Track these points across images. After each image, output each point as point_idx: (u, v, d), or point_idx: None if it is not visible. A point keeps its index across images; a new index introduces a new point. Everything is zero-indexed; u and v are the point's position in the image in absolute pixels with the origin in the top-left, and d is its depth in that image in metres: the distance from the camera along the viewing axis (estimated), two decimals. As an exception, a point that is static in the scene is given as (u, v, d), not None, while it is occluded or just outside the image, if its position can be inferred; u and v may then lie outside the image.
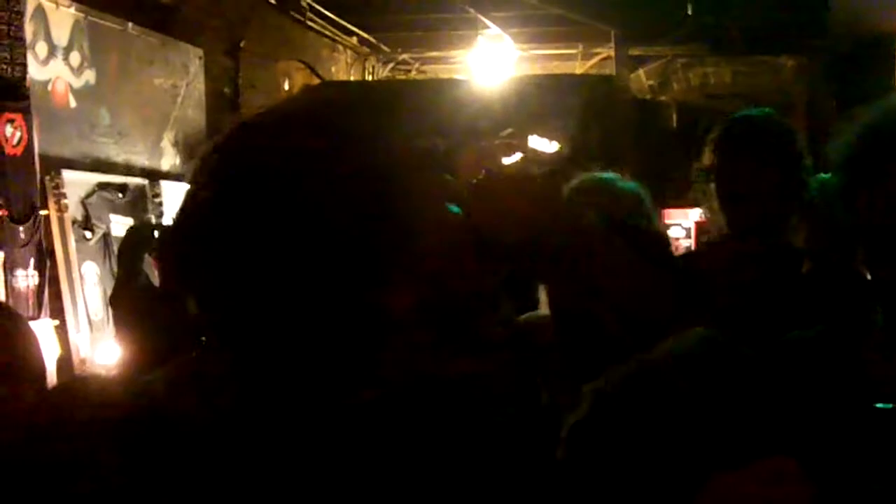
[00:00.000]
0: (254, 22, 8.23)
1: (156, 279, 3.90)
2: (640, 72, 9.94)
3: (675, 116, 8.67)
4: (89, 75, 6.10)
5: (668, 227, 9.09)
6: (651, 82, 9.95)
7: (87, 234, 5.88)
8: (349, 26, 9.61)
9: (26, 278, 5.27)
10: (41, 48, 5.66)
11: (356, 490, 1.14)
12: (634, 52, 9.78)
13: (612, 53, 9.63)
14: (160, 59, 6.92)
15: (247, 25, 8.07)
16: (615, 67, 9.57)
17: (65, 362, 5.44)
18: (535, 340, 2.14)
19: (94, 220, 5.93)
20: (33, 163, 5.34)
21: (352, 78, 10.20)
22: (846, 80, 8.37)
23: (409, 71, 10.62)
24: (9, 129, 5.20)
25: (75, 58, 5.96)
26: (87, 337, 5.61)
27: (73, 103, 5.96)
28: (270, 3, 8.49)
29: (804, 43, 9.01)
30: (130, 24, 6.50)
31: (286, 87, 8.96)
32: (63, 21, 5.85)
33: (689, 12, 8.47)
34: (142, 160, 6.70)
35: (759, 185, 2.61)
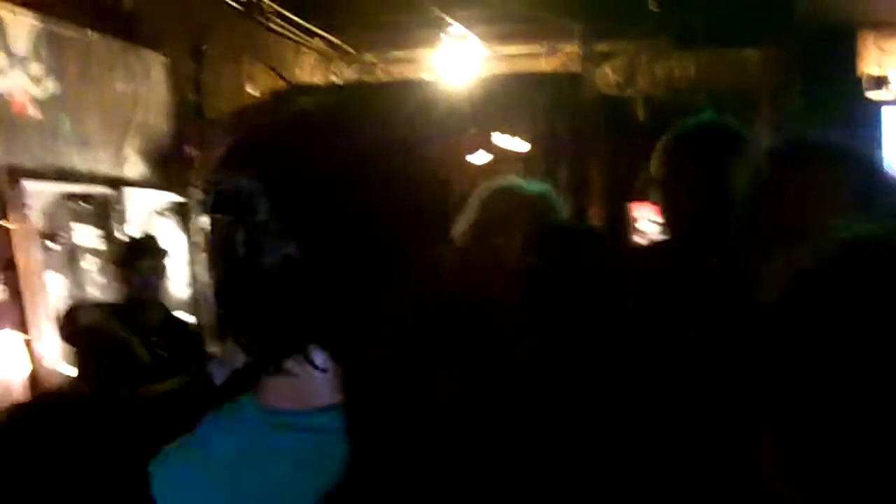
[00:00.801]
0: (216, 26, 8.16)
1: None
2: (606, 67, 9.94)
3: (641, 110, 8.67)
4: (50, 84, 6.03)
5: (636, 220, 9.10)
6: (617, 78, 9.94)
7: (51, 244, 5.82)
8: (313, 28, 9.56)
9: (-11, 291, 5.22)
10: (-1, 58, 5.59)
11: None
12: (600, 48, 9.79)
13: (578, 50, 9.64)
14: (121, 65, 6.85)
15: (210, 30, 8.01)
16: (581, 64, 9.58)
17: (30, 373, 5.39)
18: None
19: (58, 230, 5.87)
20: (-7, 174, 5.28)
21: (316, 80, 10.14)
22: (810, 71, 8.40)
23: (374, 72, 10.57)
24: (-33, 141, 5.14)
25: (35, 67, 5.89)
26: (52, 348, 5.55)
27: (33, 112, 5.89)
28: (233, 7, 8.43)
29: (768, 35, 9.02)
30: (90, 31, 6.43)
31: (250, 90, 8.90)
32: (21, 30, 5.78)
33: (652, 7, 8.48)
34: (105, 168, 6.63)
35: (700, 197, 2.56)
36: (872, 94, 8.87)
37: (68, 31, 6.23)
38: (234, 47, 8.58)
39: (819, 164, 1.94)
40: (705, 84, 9.36)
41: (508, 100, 8.03)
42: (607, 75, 9.92)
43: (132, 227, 6.48)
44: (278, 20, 9.00)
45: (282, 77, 9.32)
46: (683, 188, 2.62)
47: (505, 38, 9.83)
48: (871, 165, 1.97)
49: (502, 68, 9.84)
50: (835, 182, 1.90)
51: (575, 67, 9.62)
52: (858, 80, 9.10)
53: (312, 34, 9.71)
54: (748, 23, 8.78)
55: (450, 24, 9.31)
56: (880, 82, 9.22)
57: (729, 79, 9.32)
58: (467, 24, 9.35)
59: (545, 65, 9.95)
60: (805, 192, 1.88)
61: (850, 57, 9.16)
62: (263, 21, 8.84)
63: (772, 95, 8.65)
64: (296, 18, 9.13)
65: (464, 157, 8.72)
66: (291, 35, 9.46)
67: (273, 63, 9.26)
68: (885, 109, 8.37)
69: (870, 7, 8.75)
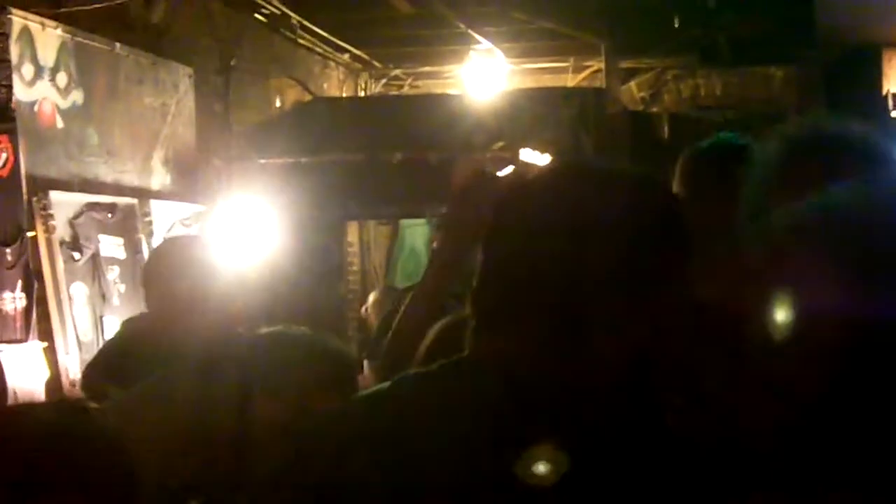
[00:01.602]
0: (245, 40, 8.22)
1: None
2: (632, 84, 9.94)
3: (666, 127, 8.65)
4: (77, 96, 6.09)
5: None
6: (642, 94, 9.94)
7: (76, 254, 5.86)
8: (340, 43, 9.60)
9: (13, 300, 5.26)
10: (27, 69, 5.65)
11: None
12: (625, 64, 9.79)
13: (603, 66, 9.63)
14: (150, 78, 6.91)
15: (238, 43, 8.07)
16: (606, 80, 9.57)
17: (54, 384, 5.42)
18: None
19: (82, 241, 5.91)
20: (20, 184, 5.34)
21: (344, 94, 10.18)
22: (835, 89, 8.36)
23: (402, 86, 10.61)
24: (-5, 151, 5.20)
25: (62, 78, 5.95)
26: (76, 358, 5.58)
27: (60, 124, 5.95)
28: (261, 21, 8.49)
29: (792, 53, 9.00)
30: (118, 45, 6.49)
31: (278, 103, 8.96)
32: (49, 42, 5.85)
33: (676, 25, 8.47)
34: (131, 179, 6.69)
35: (721, 217, 2.54)
36: (897, 113, 8.82)
37: (96, 44, 6.29)
38: (261, 61, 8.63)
39: (839, 152, 1.93)
40: (730, 102, 9.35)
41: (534, 115, 8.02)
42: (632, 92, 9.92)
43: (158, 239, 6.51)
44: (305, 34, 9.04)
45: (308, 90, 9.36)
46: (703, 207, 2.60)
47: (530, 53, 9.85)
48: (887, 157, 1.97)
49: (528, 84, 9.86)
50: (854, 170, 1.90)
51: (600, 83, 9.62)
52: (883, 99, 9.06)
53: (340, 49, 9.75)
54: (773, 42, 8.76)
55: (476, 41, 9.32)
56: (906, 101, 9.17)
57: (754, 96, 9.31)
58: (494, 39, 9.36)
59: (570, 81, 9.96)
60: (823, 179, 1.88)
61: (874, 75, 9.12)
62: (291, 35, 8.88)
63: (796, 113, 8.62)
64: (323, 33, 9.18)
65: (494, 172, 8.67)
66: (318, 49, 9.51)
67: (300, 76, 9.31)
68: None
69: (894, 26, 8.71)
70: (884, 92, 9.08)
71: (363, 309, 7.47)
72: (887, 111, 8.55)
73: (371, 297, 7.24)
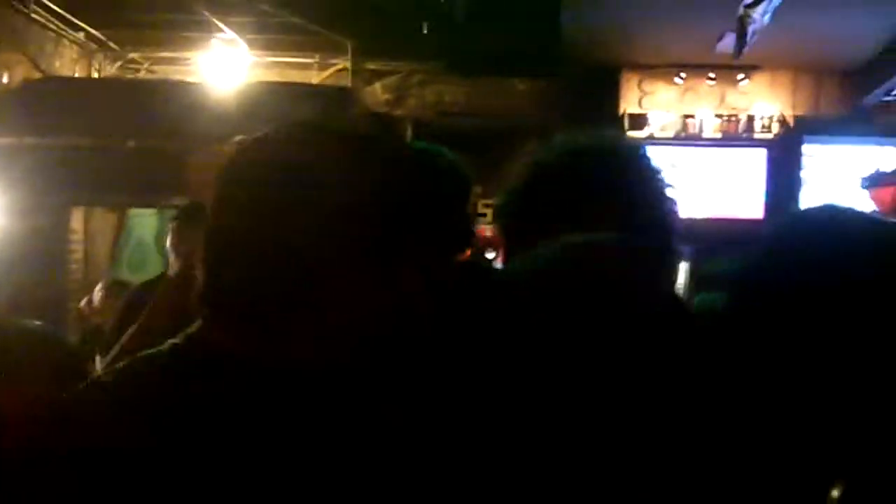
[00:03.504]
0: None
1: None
2: (377, 85, 9.92)
3: (409, 131, 8.66)
4: None
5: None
6: (387, 96, 9.93)
7: None
8: (76, 21, 9.17)
9: None
10: None
11: None
12: (371, 65, 9.76)
13: (349, 65, 9.59)
14: None
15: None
16: (351, 79, 9.53)
17: None
18: None
19: None
20: None
21: (77, 74, 9.73)
22: (574, 106, 8.59)
23: (139, 70, 10.23)
24: None
25: None
26: None
27: None
28: (-10, -9, 8.01)
29: (537, 68, 9.19)
30: None
31: (5, 80, 8.46)
32: None
33: (424, 31, 8.51)
34: None
35: None
36: (632, 133, 9.15)
37: None
38: (-11, 33, 8.15)
39: (596, 155, 1.99)
40: (474, 110, 9.46)
41: (276, 109, 7.86)
42: (377, 93, 9.90)
43: None
44: (39, 9, 8.59)
45: (39, 68, 8.90)
46: None
47: (276, 47, 9.69)
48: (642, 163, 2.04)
49: (272, 77, 9.69)
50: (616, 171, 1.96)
51: (346, 82, 9.56)
52: (620, 119, 9.39)
53: (75, 27, 9.32)
54: (519, 55, 8.92)
55: (220, 29, 9.10)
56: (641, 121, 9.53)
57: (497, 107, 9.44)
58: (237, 29, 9.16)
59: (316, 77, 9.85)
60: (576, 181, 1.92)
61: (613, 96, 9.44)
62: (24, 9, 8.41)
63: (538, 126, 8.80)
64: (58, 9, 8.74)
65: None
66: (52, 25, 9.04)
67: (31, 53, 8.83)
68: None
69: (634, 49, 9.04)
70: (621, 112, 9.41)
71: (85, 301, 7.14)
72: (623, 131, 8.86)
73: (97, 290, 6.98)
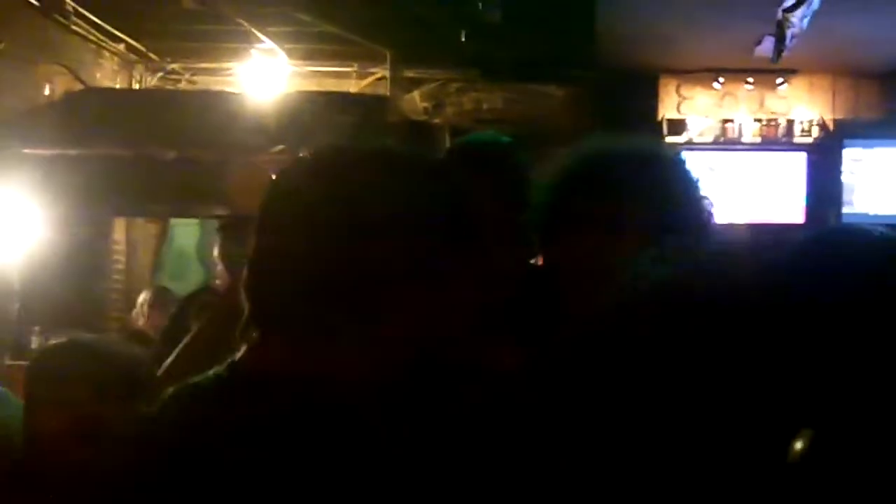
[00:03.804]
0: (13, 23, 7.81)
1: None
2: (415, 94, 9.93)
3: (447, 138, 8.67)
4: None
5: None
6: (425, 104, 9.95)
7: None
8: (116, 32, 9.24)
9: None
10: None
11: None
12: (409, 73, 9.77)
13: (388, 74, 9.60)
14: None
15: (5, 27, 7.65)
16: (390, 88, 9.54)
17: None
18: None
19: None
20: None
21: (118, 86, 9.81)
22: (610, 112, 8.57)
23: (179, 81, 10.30)
24: None
25: None
26: None
27: None
28: (32, 4, 8.08)
29: (571, 74, 9.18)
30: None
31: (47, 91, 8.55)
32: None
33: (462, 38, 8.52)
34: None
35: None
36: (671, 139, 9.11)
37: None
38: (32, 46, 8.22)
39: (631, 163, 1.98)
40: (511, 117, 9.45)
41: (315, 118, 7.92)
42: (415, 102, 9.91)
43: None
44: (80, 21, 8.66)
45: (80, 80, 8.98)
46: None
47: (314, 56, 9.72)
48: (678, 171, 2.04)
49: (310, 87, 9.72)
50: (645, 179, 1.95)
51: (384, 91, 9.58)
52: (658, 124, 9.36)
53: (115, 38, 9.39)
54: (555, 61, 8.92)
55: (259, 39, 9.14)
56: (679, 127, 9.49)
57: (534, 113, 9.43)
58: (276, 39, 9.20)
59: (354, 86, 9.89)
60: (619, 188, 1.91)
61: (650, 101, 9.41)
62: (64, 21, 8.49)
63: (573, 131, 8.80)
64: (98, 21, 8.82)
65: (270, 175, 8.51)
66: (92, 37, 9.12)
67: (72, 64, 8.92)
68: (683, 153, 8.62)
69: (671, 54, 9.01)
70: (659, 117, 9.38)
71: (133, 312, 7.20)
72: (661, 136, 8.82)
73: (141, 298, 7.04)
